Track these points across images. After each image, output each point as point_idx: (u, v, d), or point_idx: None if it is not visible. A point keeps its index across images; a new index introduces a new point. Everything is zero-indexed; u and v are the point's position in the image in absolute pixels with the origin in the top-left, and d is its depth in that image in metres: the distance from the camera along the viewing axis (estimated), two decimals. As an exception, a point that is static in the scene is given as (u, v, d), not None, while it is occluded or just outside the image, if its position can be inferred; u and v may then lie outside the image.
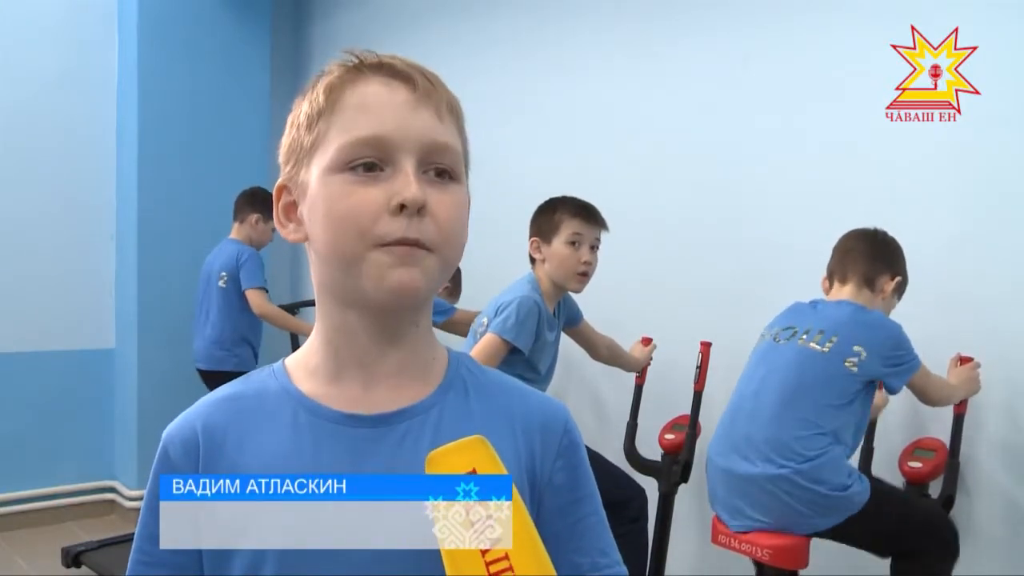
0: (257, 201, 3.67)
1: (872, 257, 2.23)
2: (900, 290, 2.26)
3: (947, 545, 2.14)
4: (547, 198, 2.49)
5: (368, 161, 0.72)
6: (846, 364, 2.10)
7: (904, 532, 2.14)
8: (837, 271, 2.28)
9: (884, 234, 2.26)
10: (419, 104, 0.74)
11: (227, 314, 3.60)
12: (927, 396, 2.21)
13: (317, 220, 0.74)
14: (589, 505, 0.81)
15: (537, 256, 2.43)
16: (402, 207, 0.71)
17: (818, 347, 2.14)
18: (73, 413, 4.13)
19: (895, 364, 2.12)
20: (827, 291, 2.30)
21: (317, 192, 0.74)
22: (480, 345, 2.28)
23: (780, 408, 2.12)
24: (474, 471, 0.62)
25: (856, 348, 2.10)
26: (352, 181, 0.72)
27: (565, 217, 2.40)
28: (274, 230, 3.83)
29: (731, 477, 2.17)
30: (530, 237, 2.45)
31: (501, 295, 2.39)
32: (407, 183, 0.71)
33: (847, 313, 2.18)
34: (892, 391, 2.19)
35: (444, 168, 0.75)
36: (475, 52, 3.68)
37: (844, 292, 2.24)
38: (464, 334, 3.34)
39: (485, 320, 2.37)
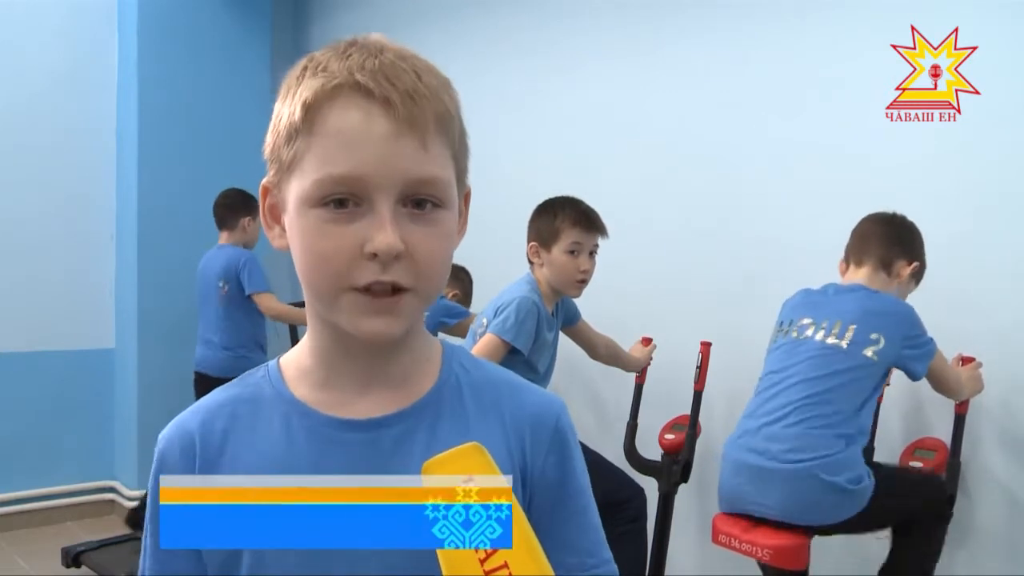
0: (240, 206, 3.64)
1: (890, 241, 2.22)
2: (918, 276, 2.26)
3: (942, 510, 2.18)
4: (546, 199, 2.47)
5: (343, 198, 0.69)
6: (865, 353, 2.10)
7: (904, 508, 2.16)
8: (853, 254, 2.27)
9: (903, 218, 2.25)
10: (400, 134, 0.69)
11: (234, 320, 3.59)
12: (945, 384, 2.19)
13: (294, 250, 0.73)
14: (579, 501, 0.80)
15: (536, 260, 2.42)
16: (375, 255, 0.68)
17: (837, 341, 2.14)
18: (73, 413, 4.14)
19: (914, 346, 2.12)
20: (843, 273, 2.30)
21: (294, 220, 0.72)
22: (479, 345, 2.29)
23: (804, 405, 2.12)
24: (471, 479, 0.63)
25: (873, 336, 2.10)
26: (327, 219, 0.69)
27: (565, 225, 2.37)
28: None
29: (750, 470, 2.16)
30: (528, 240, 2.44)
31: (500, 295, 2.39)
32: (382, 230, 0.68)
33: (859, 300, 2.17)
34: (915, 376, 2.15)
35: (427, 200, 0.71)
36: (475, 52, 3.68)
37: (859, 275, 2.24)
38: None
39: (484, 321, 2.37)
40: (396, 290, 0.70)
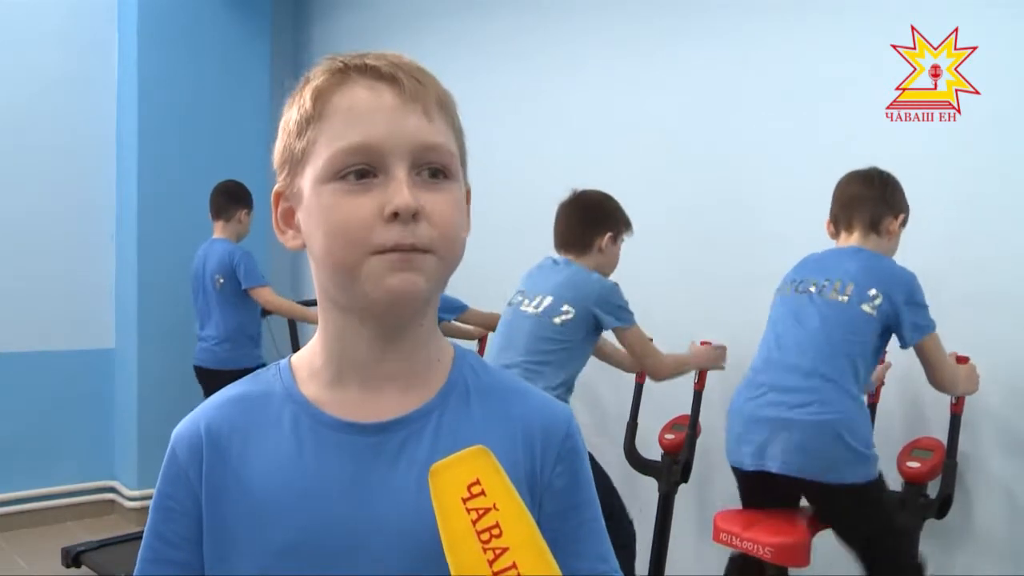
0: (240, 196, 3.69)
1: (875, 201, 2.25)
2: (904, 223, 2.28)
3: (910, 567, 2.18)
4: (603, 193, 2.58)
5: (359, 169, 0.72)
6: (863, 308, 2.13)
7: (884, 534, 2.16)
8: (841, 218, 2.29)
9: (881, 174, 2.27)
10: (407, 106, 0.73)
11: (229, 314, 3.62)
12: (938, 372, 2.18)
13: (313, 230, 0.74)
14: (588, 511, 0.80)
15: (611, 249, 2.54)
16: (395, 215, 0.70)
17: (839, 296, 2.17)
18: (73, 413, 4.14)
19: (915, 309, 2.12)
20: (833, 236, 2.33)
21: (311, 202, 0.74)
22: (641, 345, 2.48)
23: (814, 359, 2.14)
24: (477, 481, 0.63)
25: (872, 292, 2.14)
26: (344, 191, 0.72)
27: (624, 220, 2.56)
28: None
29: (766, 423, 2.18)
30: (607, 230, 2.52)
31: (576, 287, 2.43)
32: (399, 190, 0.70)
33: (860, 260, 2.21)
34: (904, 341, 2.16)
35: (438, 168, 0.74)
36: (475, 52, 3.68)
37: (852, 239, 2.27)
38: (468, 336, 3.35)
39: (601, 317, 2.43)
40: (417, 250, 0.71)
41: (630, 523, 2.57)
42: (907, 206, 2.28)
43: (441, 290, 0.78)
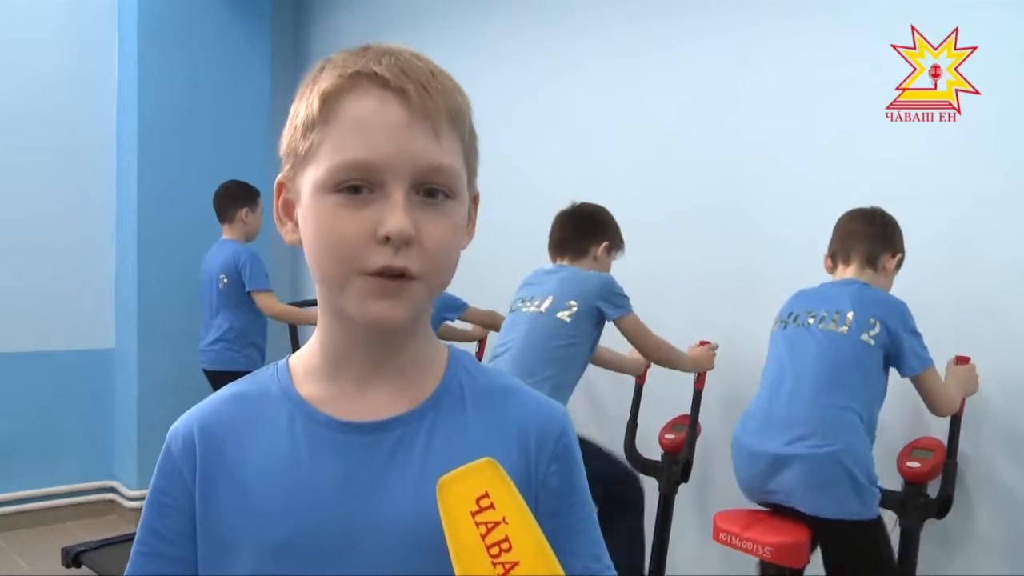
0: (239, 196, 3.69)
1: (873, 238, 2.27)
2: (900, 264, 2.31)
3: None
4: (597, 206, 2.63)
5: (357, 184, 0.71)
6: (862, 338, 2.14)
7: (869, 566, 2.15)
8: (840, 252, 2.32)
9: (883, 214, 2.30)
10: (414, 123, 0.71)
11: (232, 315, 3.61)
12: (936, 400, 2.19)
13: (307, 237, 0.74)
14: (582, 509, 0.80)
15: (602, 257, 2.60)
16: (387, 239, 0.69)
17: (837, 327, 2.18)
18: (73, 413, 4.14)
19: (908, 331, 2.14)
20: (830, 270, 2.35)
21: (308, 208, 0.73)
22: (639, 329, 2.49)
23: (819, 390, 2.14)
24: (486, 494, 0.63)
25: (870, 320, 2.15)
26: (340, 204, 0.71)
27: (620, 235, 2.65)
28: (262, 215, 3.81)
29: (771, 459, 2.17)
30: (601, 240, 2.59)
31: (578, 282, 2.48)
32: (394, 213, 0.69)
33: (854, 290, 2.23)
34: (906, 370, 2.16)
35: (438, 188, 0.73)
36: (475, 52, 3.68)
37: (849, 272, 2.29)
38: (468, 337, 3.35)
39: (604, 309, 2.47)
40: (405, 276, 0.71)
41: (633, 485, 2.60)
42: (904, 248, 2.30)
43: (428, 318, 0.78)
